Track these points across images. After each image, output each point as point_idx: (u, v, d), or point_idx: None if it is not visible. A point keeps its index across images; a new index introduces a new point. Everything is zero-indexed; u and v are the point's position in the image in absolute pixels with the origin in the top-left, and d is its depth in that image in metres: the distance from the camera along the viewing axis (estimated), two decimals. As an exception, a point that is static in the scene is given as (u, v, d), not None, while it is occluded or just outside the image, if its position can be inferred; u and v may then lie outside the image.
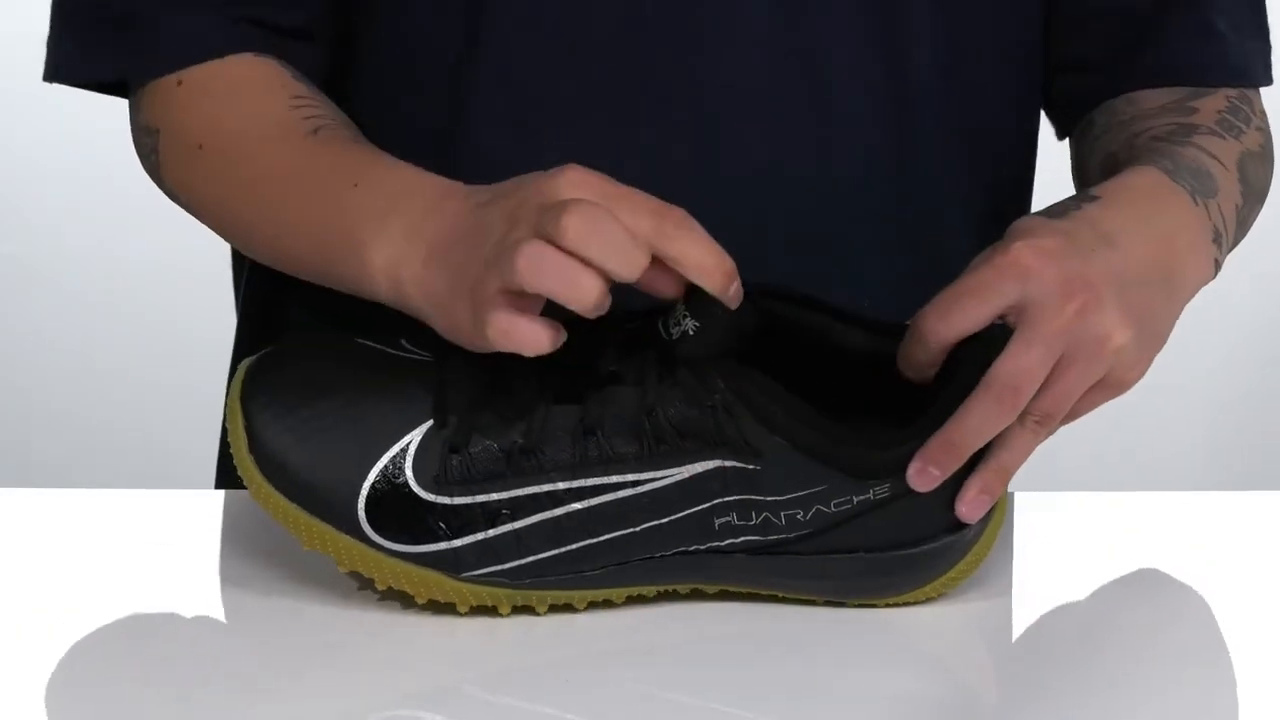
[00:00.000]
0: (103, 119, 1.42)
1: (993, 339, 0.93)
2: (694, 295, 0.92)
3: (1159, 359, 1.01)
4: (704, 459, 0.92)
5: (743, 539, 0.94)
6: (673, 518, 0.93)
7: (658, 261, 0.90)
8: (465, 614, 0.94)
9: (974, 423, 0.92)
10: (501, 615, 0.94)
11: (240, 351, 1.24)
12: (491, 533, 0.93)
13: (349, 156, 1.03)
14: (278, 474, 0.94)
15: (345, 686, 0.90)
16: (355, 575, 0.94)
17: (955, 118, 1.14)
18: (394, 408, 0.93)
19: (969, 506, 0.94)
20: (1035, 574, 1.02)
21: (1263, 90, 1.19)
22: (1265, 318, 2.53)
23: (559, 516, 0.92)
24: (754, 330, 0.95)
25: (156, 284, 2.53)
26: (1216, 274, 1.06)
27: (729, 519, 0.93)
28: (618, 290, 0.90)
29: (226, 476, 1.18)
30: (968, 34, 1.14)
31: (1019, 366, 0.92)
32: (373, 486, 0.93)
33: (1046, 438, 0.96)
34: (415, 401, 0.93)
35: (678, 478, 0.92)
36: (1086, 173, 1.17)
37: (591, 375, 0.93)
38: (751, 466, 0.92)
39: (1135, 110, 1.15)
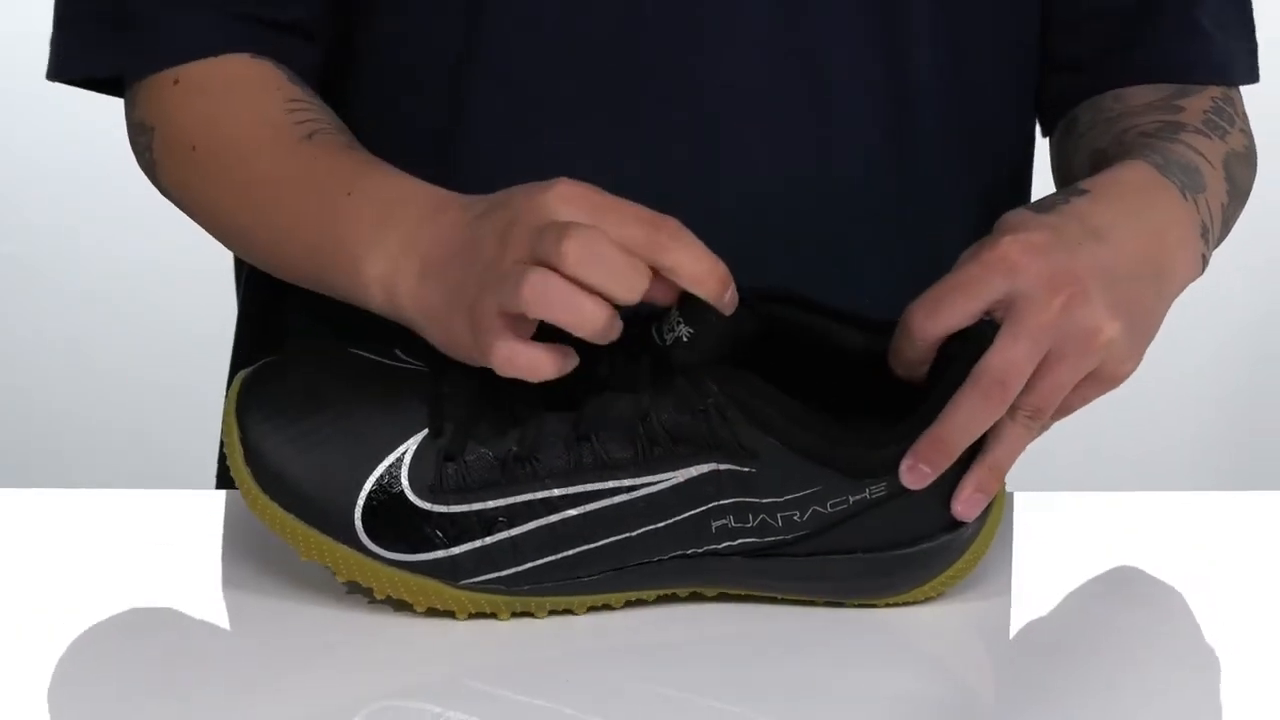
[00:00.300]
0: (103, 119, 1.42)
1: (983, 335, 0.93)
2: (687, 301, 0.92)
3: (1155, 358, 1.01)
4: (699, 463, 0.92)
5: (740, 542, 0.94)
6: (669, 522, 0.93)
7: (653, 271, 0.90)
8: (464, 620, 0.94)
9: (962, 418, 0.92)
10: (501, 623, 0.94)
11: (239, 354, 1.25)
12: (488, 540, 0.93)
13: (343, 162, 1.03)
14: (274, 485, 0.94)
15: (345, 685, 0.90)
16: (353, 585, 0.94)
17: (955, 118, 1.15)
18: (389, 418, 0.93)
19: (964, 505, 0.95)
20: (1033, 574, 1.02)
21: (1261, 95, 1.20)
22: (1259, 314, 2.53)
23: (555, 523, 0.92)
24: (751, 335, 0.95)
25: (156, 284, 2.53)
26: (1204, 270, 1.06)
27: (725, 522, 0.93)
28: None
29: (226, 477, 1.18)
30: (968, 34, 1.14)
31: (1005, 360, 0.92)
32: (369, 496, 0.93)
33: (1040, 433, 0.96)
34: (410, 411, 0.93)
35: (673, 482, 0.92)
36: (1071, 169, 1.17)
37: (586, 382, 0.93)
38: (746, 469, 0.92)
39: (1122, 107, 1.16)
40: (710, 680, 0.91)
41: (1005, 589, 0.99)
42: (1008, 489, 1.00)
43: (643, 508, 0.92)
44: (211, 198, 1.08)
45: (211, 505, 1.10)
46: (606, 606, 0.95)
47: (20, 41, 1.68)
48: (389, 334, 0.98)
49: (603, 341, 0.89)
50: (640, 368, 0.93)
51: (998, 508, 0.98)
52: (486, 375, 0.94)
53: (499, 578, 0.93)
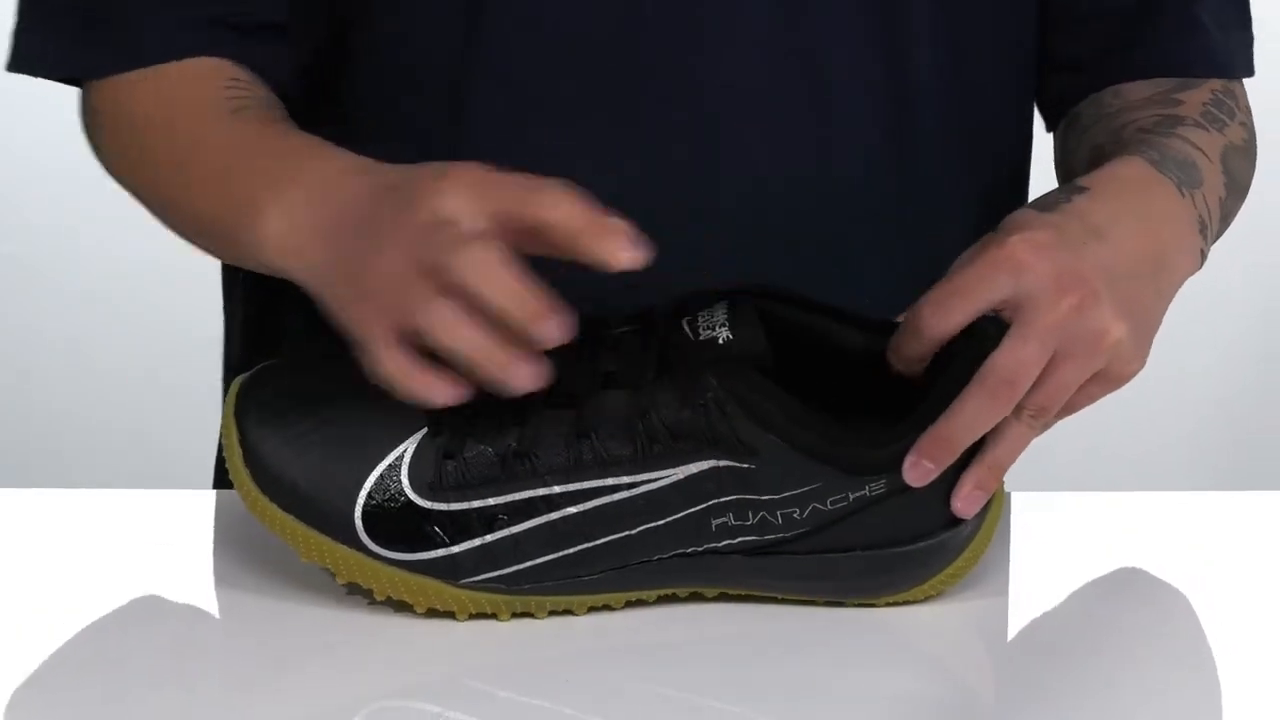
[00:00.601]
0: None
1: (985, 332, 0.93)
2: (736, 305, 0.92)
3: (1155, 357, 1.01)
4: (698, 459, 0.92)
5: (740, 540, 0.94)
6: (669, 519, 0.93)
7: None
8: (464, 620, 0.94)
9: (968, 417, 0.93)
10: (501, 622, 0.94)
11: (231, 356, 1.25)
12: (489, 538, 0.93)
13: (265, 131, 1.05)
14: (274, 487, 0.94)
15: (345, 685, 0.90)
16: (353, 586, 0.94)
17: (955, 118, 1.15)
18: (388, 417, 0.93)
19: (964, 502, 0.95)
20: (1033, 574, 1.02)
21: (1262, 92, 1.20)
22: (1260, 313, 2.53)
23: (555, 520, 0.92)
24: (770, 364, 0.94)
25: (156, 284, 2.53)
26: (1202, 265, 1.06)
27: (726, 519, 0.93)
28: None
29: (224, 477, 1.18)
30: (968, 34, 1.14)
31: (1015, 360, 0.93)
32: (369, 496, 0.93)
33: (1042, 432, 0.96)
34: (409, 410, 0.93)
35: (673, 479, 0.92)
36: (1073, 166, 1.17)
37: (587, 376, 0.93)
38: (746, 465, 0.92)
39: (1121, 103, 1.16)
40: (710, 680, 0.91)
41: (1004, 589, 0.99)
42: (1007, 489, 1.00)
43: (643, 505, 0.92)
44: (145, 173, 1.10)
45: (209, 505, 1.10)
46: (607, 607, 0.95)
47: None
48: None
49: (516, 394, 0.89)
50: (645, 363, 0.93)
51: (996, 506, 0.98)
52: None
53: (499, 576, 0.93)
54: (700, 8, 1.09)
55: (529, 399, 0.92)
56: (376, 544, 0.93)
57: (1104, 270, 0.96)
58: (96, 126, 1.13)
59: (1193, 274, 1.05)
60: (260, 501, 0.94)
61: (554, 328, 0.88)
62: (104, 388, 2.54)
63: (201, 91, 1.09)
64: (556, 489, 0.92)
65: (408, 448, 0.93)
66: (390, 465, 0.93)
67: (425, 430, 0.93)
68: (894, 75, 1.12)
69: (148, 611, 0.97)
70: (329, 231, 0.95)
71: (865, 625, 0.95)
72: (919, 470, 0.93)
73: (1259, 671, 0.93)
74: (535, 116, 1.10)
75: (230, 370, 1.25)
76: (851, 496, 0.93)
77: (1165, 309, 1.02)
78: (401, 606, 0.94)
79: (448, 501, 0.92)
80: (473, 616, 0.94)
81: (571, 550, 0.93)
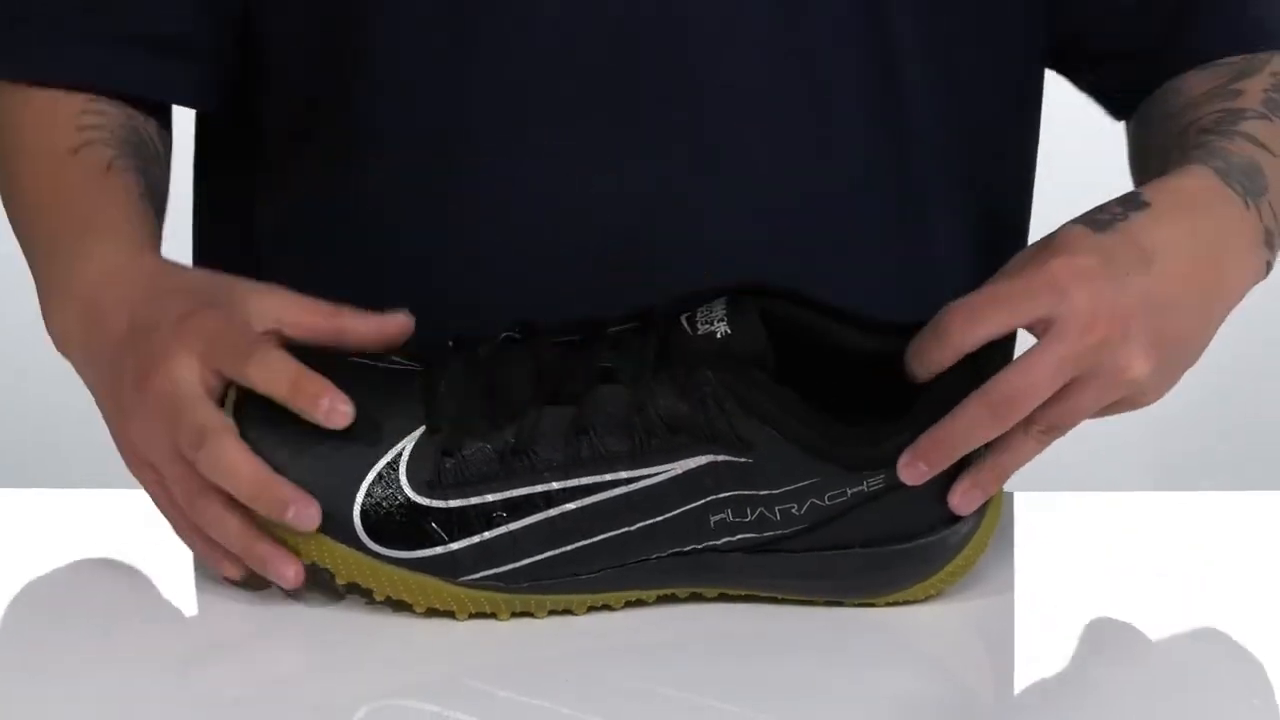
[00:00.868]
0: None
1: (988, 344, 0.93)
2: (735, 301, 0.92)
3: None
4: (696, 454, 0.92)
5: (739, 537, 0.94)
6: (667, 516, 0.93)
7: None
8: (464, 619, 0.94)
9: (965, 426, 0.92)
10: (501, 622, 0.94)
11: None
12: (488, 535, 0.93)
13: (82, 201, 1.08)
14: None
15: (345, 685, 0.90)
16: (353, 587, 0.94)
17: (954, 118, 1.14)
18: (386, 415, 0.93)
19: (961, 498, 0.95)
20: (1034, 574, 1.02)
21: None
22: (1260, 313, 2.52)
23: (554, 517, 0.92)
24: (771, 363, 0.94)
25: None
26: (1268, 274, 1.05)
27: (724, 516, 0.93)
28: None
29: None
30: (955, 33, 1.13)
31: (1023, 381, 0.93)
32: (367, 494, 0.93)
33: (1049, 444, 0.96)
34: (407, 408, 0.93)
35: (671, 474, 0.92)
36: (1140, 168, 1.16)
37: (585, 373, 0.93)
38: (744, 460, 0.92)
39: (1183, 100, 1.14)
40: (710, 680, 0.91)
41: (1005, 589, 0.99)
42: (1008, 489, 1.00)
43: (641, 501, 0.92)
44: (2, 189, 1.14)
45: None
46: (606, 607, 0.95)
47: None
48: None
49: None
50: (643, 358, 0.93)
51: (995, 504, 0.98)
52: (483, 372, 0.94)
53: (498, 574, 0.93)
54: (700, 8, 1.09)
55: (525, 394, 0.92)
56: (375, 543, 0.93)
57: (1145, 301, 0.95)
58: None
59: (1255, 284, 1.04)
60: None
61: (304, 516, 0.92)
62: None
63: (52, 109, 1.12)
64: (555, 485, 0.92)
65: (406, 445, 0.93)
66: (388, 463, 0.93)
67: (423, 428, 0.93)
68: (887, 75, 1.12)
69: (147, 611, 0.97)
70: (90, 356, 1.03)
71: (865, 625, 0.95)
72: (912, 470, 0.93)
73: (1259, 671, 0.93)
74: (535, 116, 1.10)
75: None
76: (850, 492, 0.93)
77: (1213, 333, 1.01)
78: (401, 606, 0.94)
79: (446, 499, 0.92)
80: (472, 616, 0.94)
81: (570, 547, 0.93)
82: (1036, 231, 1.21)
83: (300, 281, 1.15)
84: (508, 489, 0.92)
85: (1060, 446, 0.99)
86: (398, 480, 0.93)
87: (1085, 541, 1.06)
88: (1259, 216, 1.03)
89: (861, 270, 1.13)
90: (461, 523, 0.92)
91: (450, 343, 0.97)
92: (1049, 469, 1.18)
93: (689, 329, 0.93)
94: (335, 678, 0.91)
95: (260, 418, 0.94)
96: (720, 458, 0.92)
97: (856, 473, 0.93)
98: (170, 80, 1.14)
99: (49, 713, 0.88)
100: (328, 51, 1.13)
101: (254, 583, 0.95)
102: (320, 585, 0.94)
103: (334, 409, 0.92)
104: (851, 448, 0.93)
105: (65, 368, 1.08)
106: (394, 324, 0.98)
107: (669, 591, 0.96)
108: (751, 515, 0.93)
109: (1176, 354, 0.98)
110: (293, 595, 0.95)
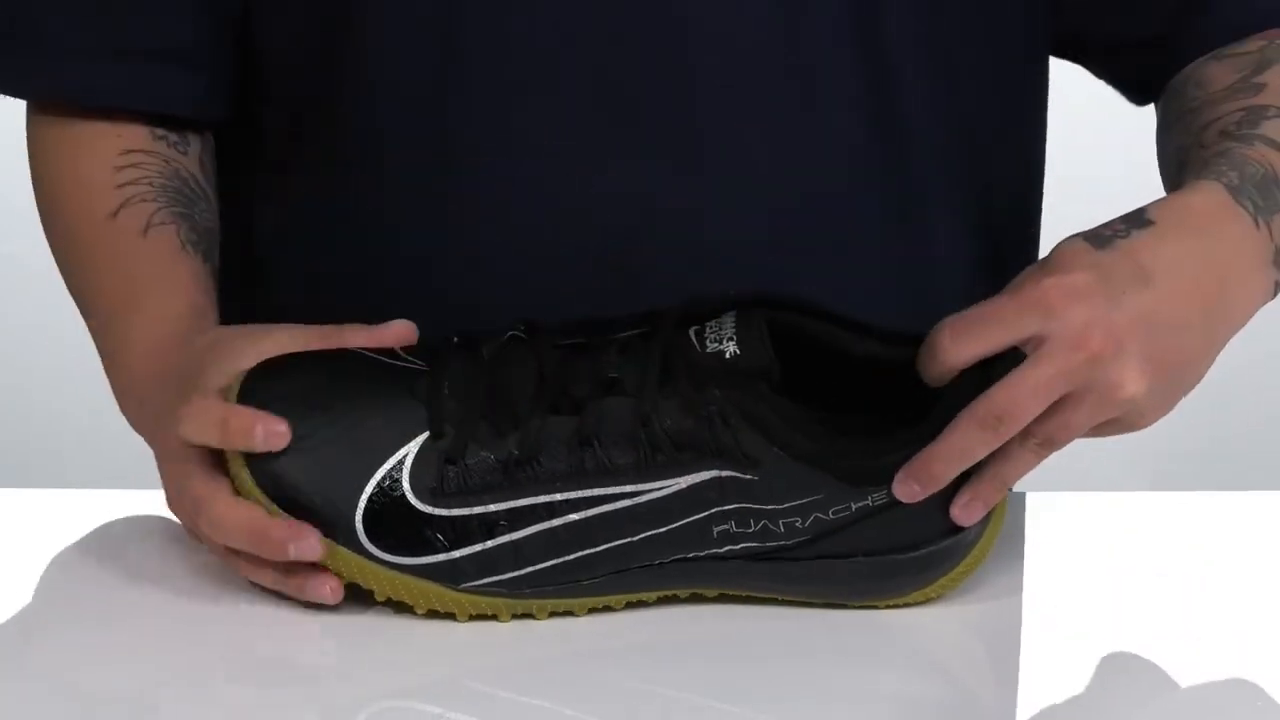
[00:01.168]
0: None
1: (1000, 356, 0.93)
2: (744, 318, 0.92)
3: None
4: (701, 469, 0.92)
5: (742, 546, 0.94)
6: (671, 527, 0.93)
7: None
8: (465, 622, 0.94)
9: (956, 444, 0.92)
10: (501, 623, 0.94)
11: None
12: (490, 544, 0.92)
13: (117, 274, 1.10)
14: (274, 488, 0.93)
15: (345, 685, 0.90)
16: (353, 587, 0.94)
17: (951, 119, 1.14)
18: (390, 420, 0.93)
19: (963, 510, 0.94)
20: (1034, 574, 1.02)
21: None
22: (1260, 313, 2.52)
23: (556, 527, 0.92)
24: (777, 378, 0.94)
25: (156, 284, 2.53)
26: (1277, 293, 1.04)
27: (727, 527, 0.93)
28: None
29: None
30: (949, 32, 1.13)
31: (1009, 398, 0.92)
32: (370, 499, 0.93)
33: (1047, 456, 0.96)
34: (411, 413, 0.93)
35: (675, 488, 0.92)
36: (1164, 165, 1.15)
37: (590, 381, 0.93)
38: (749, 476, 0.92)
39: (1204, 95, 1.13)
40: (710, 680, 0.91)
41: (1005, 589, 0.99)
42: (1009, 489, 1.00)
43: (644, 513, 0.92)
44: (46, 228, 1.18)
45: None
46: (607, 608, 0.95)
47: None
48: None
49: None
50: (648, 369, 0.92)
51: (999, 511, 0.97)
52: (489, 375, 0.94)
53: (499, 581, 0.93)
54: (699, 9, 1.09)
55: (530, 402, 0.92)
56: (377, 547, 0.93)
57: (1142, 321, 0.95)
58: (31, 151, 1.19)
59: (1262, 305, 1.03)
60: (260, 502, 0.94)
61: (305, 549, 0.92)
62: (104, 388, 2.54)
63: (88, 169, 1.13)
64: (558, 496, 0.92)
65: (409, 451, 0.93)
66: (392, 469, 0.93)
67: (427, 434, 0.93)
68: (884, 75, 1.12)
69: (147, 612, 0.97)
70: (131, 405, 1.08)
71: (865, 626, 0.95)
72: (907, 488, 0.93)
73: (1260, 672, 0.93)
74: (534, 118, 1.10)
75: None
76: (854, 506, 0.93)
77: (1216, 355, 1.00)
78: (401, 608, 0.94)
79: (449, 507, 0.92)
80: (473, 618, 0.94)
81: (572, 556, 0.93)
82: (1047, 229, 1.21)
83: (301, 281, 1.16)
84: (511, 499, 0.92)
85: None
86: (401, 486, 0.92)
87: (1085, 541, 1.06)
88: (1269, 235, 1.02)
89: (861, 270, 1.13)
90: (464, 531, 0.92)
91: (455, 339, 0.97)
92: (1049, 469, 1.18)
93: (697, 344, 0.93)
94: (336, 678, 0.91)
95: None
96: (725, 473, 0.92)
97: (860, 487, 0.93)
98: (175, 93, 1.14)
99: (49, 712, 0.88)
100: (325, 52, 1.13)
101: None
102: None
103: (271, 432, 0.93)
104: (856, 462, 0.93)
105: (66, 369, 1.09)
106: (391, 335, 0.98)
107: (670, 593, 0.96)
108: (755, 526, 0.93)
109: (1176, 375, 0.97)
110: (293, 596, 0.95)
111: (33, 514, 1.10)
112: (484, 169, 1.10)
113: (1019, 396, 0.92)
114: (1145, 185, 1.16)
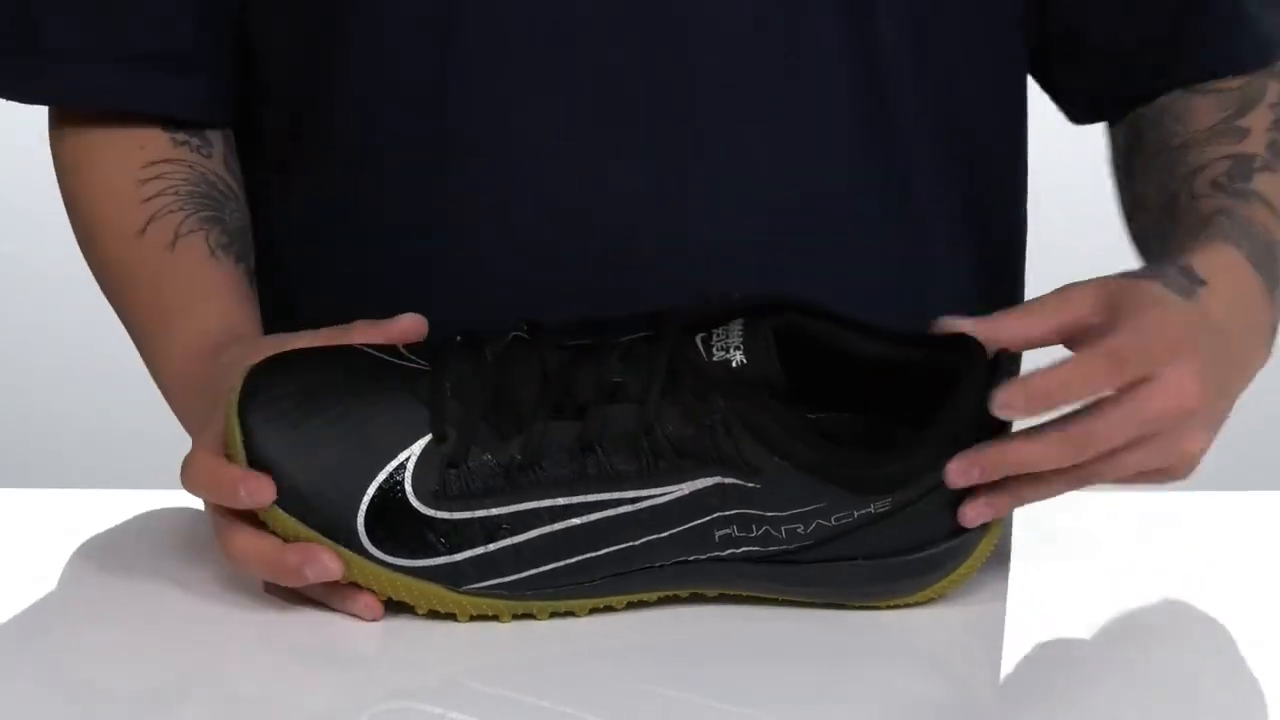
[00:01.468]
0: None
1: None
2: (750, 327, 0.92)
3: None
4: (703, 476, 0.92)
5: (743, 549, 0.94)
6: (673, 531, 0.93)
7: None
8: (466, 622, 0.94)
9: (1035, 449, 0.93)
10: (502, 624, 0.94)
11: None
12: (491, 547, 0.92)
13: (147, 292, 1.11)
14: (276, 488, 0.93)
15: (345, 685, 0.90)
16: (354, 589, 0.94)
17: (948, 121, 1.14)
18: (392, 422, 0.93)
19: (973, 511, 0.94)
20: (1033, 574, 1.02)
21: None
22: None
23: (558, 532, 0.92)
24: (782, 388, 0.94)
25: (156, 284, 2.53)
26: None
27: (729, 531, 0.93)
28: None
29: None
30: (950, 43, 1.13)
31: (1104, 428, 0.93)
32: (372, 501, 0.93)
33: (1074, 490, 0.96)
34: (414, 415, 0.93)
35: (677, 494, 0.92)
36: (1139, 197, 1.15)
37: (593, 386, 0.92)
38: (751, 485, 0.92)
39: (1185, 133, 1.13)
40: (711, 680, 0.91)
41: (1005, 589, 0.99)
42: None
43: (647, 518, 0.92)
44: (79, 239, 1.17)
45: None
46: (608, 608, 0.95)
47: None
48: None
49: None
50: (652, 375, 0.92)
51: (999, 520, 0.97)
52: (491, 375, 0.93)
53: (501, 583, 0.93)
54: (697, 9, 1.09)
55: (533, 406, 0.92)
56: (378, 549, 0.93)
57: (1218, 384, 0.97)
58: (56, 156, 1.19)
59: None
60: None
61: (319, 571, 0.92)
62: (104, 388, 2.54)
63: (114, 181, 1.13)
64: (561, 501, 0.92)
65: (412, 453, 0.93)
66: (394, 471, 0.92)
67: (429, 437, 0.93)
68: (880, 76, 1.12)
69: (147, 612, 0.97)
70: (178, 416, 1.08)
71: (866, 626, 0.95)
72: (964, 476, 0.92)
73: (1260, 672, 0.93)
74: (532, 119, 1.10)
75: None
76: (856, 514, 0.93)
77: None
78: (402, 607, 0.94)
79: (451, 510, 0.92)
80: (474, 618, 0.94)
81: (574, 559, 0.93)
82: (1034, 232, 1.21)
83: (301, 281, 1.16)
84: (513, 503, 0.92)
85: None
86: (402, 488, 0.92)
87: (1085, 541, 1.06)
88: (1270, 305, 1.04)
89: (859, 269, 1.13)
90: (465, 534, 0.92)
91: (457, 338, 0.96)
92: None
93: (704, 352, 0.93)
94: (336, 679, 0.91)
95: (263, 417, 0.94)
96: (727, 480, 0.92)
97: (863, 496, 0.93)
98: (175, 95, 1.14)
99: (50, 712, 0.88)
100: (325, 52, 1.13)
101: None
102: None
103: (256, 490, 0.93)
104: (858, 472, 0.93)
105: (66, 369, 1.09)
106: (398, 330, 0.98)
107: (670, 593, 0.96)
108: (756, 531, 0.93)
109: (1216, 432, 0.99)
110: (293, 597, 0.95)
111: (33, 514, 1.10)
112: (484, 169, 1.10)
113: (1112, 426, 0.93)
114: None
